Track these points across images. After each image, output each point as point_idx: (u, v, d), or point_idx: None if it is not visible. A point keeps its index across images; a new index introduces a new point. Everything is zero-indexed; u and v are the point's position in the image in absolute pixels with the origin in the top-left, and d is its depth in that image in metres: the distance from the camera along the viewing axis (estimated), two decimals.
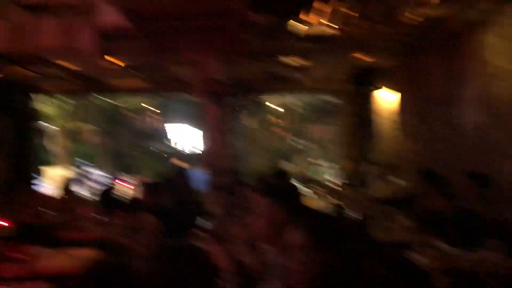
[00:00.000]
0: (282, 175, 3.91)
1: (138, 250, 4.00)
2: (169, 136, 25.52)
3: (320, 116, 24.57)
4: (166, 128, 25.83)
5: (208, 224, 4.29)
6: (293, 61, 6.01)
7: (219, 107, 5.12)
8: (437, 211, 3.92)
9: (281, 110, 21.52)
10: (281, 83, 7.27)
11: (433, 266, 2.99)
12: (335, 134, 23.31)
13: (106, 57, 5.51)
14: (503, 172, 4.11)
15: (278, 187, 2.61)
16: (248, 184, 6.41)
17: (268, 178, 3.89)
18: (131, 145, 23.79)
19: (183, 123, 26.08)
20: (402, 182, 6.61)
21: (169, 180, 5.41)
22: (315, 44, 5.14)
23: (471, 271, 3.01)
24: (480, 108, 4.52)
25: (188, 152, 23.58)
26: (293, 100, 21.81)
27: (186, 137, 25.51)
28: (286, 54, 5.89)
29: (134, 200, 4.31)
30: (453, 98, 5.13)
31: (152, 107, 25.87)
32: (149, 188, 4.64)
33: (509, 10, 3.96)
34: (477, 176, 4.23)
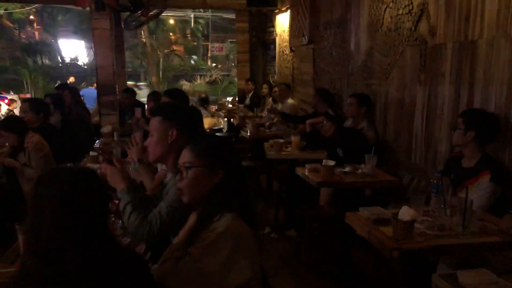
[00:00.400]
0: (178, 94, 3.83)
1: (27, 172, 3.80)
2: (61, 52, 23.55)
3: (219, 33, 24.16)
4: (58, 43, 23.73)
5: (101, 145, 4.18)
6: None
7: (108, 20, 4.78)
8: (327, 131, 4.19)
9: (180, 26, 20.77)
10: None
11: (319, 181, 3.24)
12: (233, 54, 23.30)
13: None
14: (384, 94, 4.45)
15: (171, 105, 2.57)
16: (141, 103, 6.28)
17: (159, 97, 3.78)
18: (14, 60, 21.62)
19: (77, 39, 24.10)
20: (295, 102, 6.92)
21: (55, 96, 5.08)
22: None
23: (353, 185, 3.33)
24: (368, 32, 4.75)
25: (80, 69, 22.09)
26: (193, 17, 21.09)
27: (79, 53, 23.71)
28: None
29: (15, 119, 3.98)
30: (345, 21, 5.31)
31: (38, 19, 23.43)
32: (33, 105, 4.32)
33: None
34: (358, 96, 4.56)
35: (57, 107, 4.86)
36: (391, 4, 4.27)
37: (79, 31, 23.70)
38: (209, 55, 26.51)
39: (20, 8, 17.50)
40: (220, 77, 20.69)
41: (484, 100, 3.09)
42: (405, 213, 2.08)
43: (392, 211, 2.41)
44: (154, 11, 5.32)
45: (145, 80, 18.68)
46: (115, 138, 4.18)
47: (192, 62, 23.33)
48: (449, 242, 2.05)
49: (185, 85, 19.08)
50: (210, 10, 17.85)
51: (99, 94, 4.91)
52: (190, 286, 1.51)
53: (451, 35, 3.43)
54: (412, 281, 2.47)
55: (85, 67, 22.78)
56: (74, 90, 5.70)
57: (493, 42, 3.00)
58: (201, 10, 18.45)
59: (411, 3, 3.93)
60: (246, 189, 1.73)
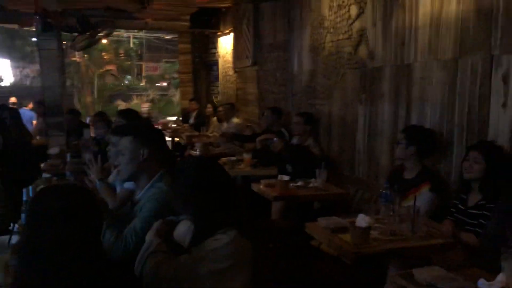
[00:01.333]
0: (132, 114, 3.88)
1: None
2: None
3: (153, 53, 24.02)
4: None
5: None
6: None
7: (55, 41, 4.72)
8: (276, 147, 4.39)
9: (113, 46, 20.43)
10: (121, 19, 6.92)
11: (275, 195, 3.40)
12: (169, 72, 23.20)
13: None
14: (327, 113, 4.75)
15: (140, 125, 2.64)
16: (86, 124, 6.18)
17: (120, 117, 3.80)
18: None
19: (1, 57, 22.89)
20: (240, 121, 7.09)
21: None
22: None
23: (307, 198, 3.53)
24: (311, 55, 5.05)
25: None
26: (128, 36, 20.83)
27: (5, 73, 22.53)
28: None
29: None
30: (288, 44, 5.60)
31: None
32: None
33: None
34: (303, 114, 4.83)
35: None
36: (331, 29, 4.60)
37: (3, 49, 22.63)
38: (143, 75, 26.26)
39: None
40: (157, 97, 20.52)
41: (420, 117, 3.43)
42: (362, 220, 2.28)
43: (347, 220, 2.62)
44: (104, 32, 5.31)
45: (79, 100, 18.12)
46: (67, 159, 4.11)
47: (126, 82, 22.97)
48: (401, 245, 2.28)
49: (121, 105, 18.73)
50: (144, 30, 17.79)
51: (46, 115, 4.81)
52: (177, 283, 1.59)
53: (388, 58, 3.77)
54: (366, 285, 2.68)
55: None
56: (14, 111, 5.51)
57: (426, 65, 3.35)
58: (136, 30, 18.32)
59: (351, 29, 4.26)
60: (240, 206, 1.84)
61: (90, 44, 5.59)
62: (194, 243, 1.69)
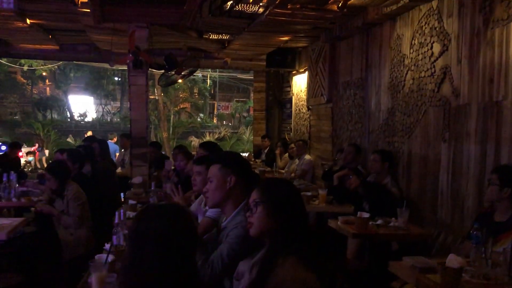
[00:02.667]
0: (213, 146, 4.03)
1: (64, 220, 3.89)
2: (71, 107, 24.17)
3: (225, 92, 24.84)
4: (68, 99, 24.42)
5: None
6: (219, 37, 6.06)
7: (144, 77, 5.07)
8: (352, 184, 4.32)
9: (189, 85, 21.43)
10: (202, 58, 7.29)
11: (354, 232, 3.32)
12: (239, 111, 23.79)
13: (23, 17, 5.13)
14: (406, 151, 4.62)
15: (228, 153, 2.73)
16: (166, 156, 6.45)
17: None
18: (25, 114, 22.15)
19: (87, 94, 24.79)
20: (312, 158, 7.07)
21: (87, 148, 5.26)
22: (240, 20, 5.24)
23: (387, 237, 3.41)
24: (389, 93, 5.00)
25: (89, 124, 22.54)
26: (202, 76, 21.79)
27: (89, 109, 24.33)
28: (211, 30, 5.94)
29: (61, 165, 4.13)
30: (366, 82, 5.59)
31: (49, 75, 24.22)
32: (71, 155, 4.49)
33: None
34: (381, 152, 4.73)
35: (88, 158, 5.03)
36: (412, 67, 4.54)
37: (89, 88, 24.49)
38: (215, 113, 27.18)
39: (43, 65, 18.17)
40: (228, 134, 21.07)
41: (511, 158, 3.25)
42: (453, 260, 2.17)
43: (435, 260, 2.50)
44: (187, 70, 5.63)
45: (155, 136, 19.02)
46: (153, 188, 4.31)
47: (199, 119, 23.88)
48: None
49: (194, 141, 19.41)
50: (217, 70, 18.51)
51: (132, 146, 5.10)
52: None
53: (475, 96, 3.64)
54: None
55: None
56: (103, 143, 5.91)
57: None
58: (210, 70, 19.12)
59: (433, 66, 4.19)
60: (307, 233, 1.84)
61: (174, 82, 5.92)
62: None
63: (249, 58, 7.98)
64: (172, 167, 5.20)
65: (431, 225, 4.16)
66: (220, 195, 2.25)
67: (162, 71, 5.60)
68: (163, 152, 8.19)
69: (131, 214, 3.30)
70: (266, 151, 8.61)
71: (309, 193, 4.50)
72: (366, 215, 3.36)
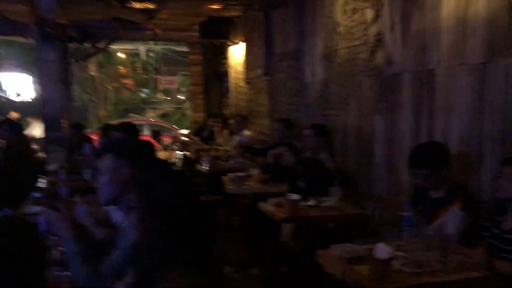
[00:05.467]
0: (129, 128, 3.61)
1: None
2: (1, 85, 22.52)
3: (170, 66, 24.07)
4: None
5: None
6: (143, 6, 5.57)
7: (54, 52, 4.51)
8: (288, 161, 4.08)
9: (130, 59, 20.50)
10: (128, 30, 6.74)
11: (284, 217, 3.09)
12: (185, 85, 23.16)
13: None
14: (342, 124, 4.42)
15: (123, 141, 2.36)
16: (90, 138, 5.97)
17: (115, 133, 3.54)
18: None
19: (22, 72, 23.14)
20: (252, 134, 6.80)
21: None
22: None
23: (319, 219, 3.20)
24: (323, 63, 4.75)
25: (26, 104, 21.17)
26: (143, 49, 20.89)
27: (24, 87, 22.78)
28: None
29: None
30: (300, 53, 5.31)
31: None
32: None
33: None
34: (314, 126, 4.49)
35: None
36: (346, 35, 4.29)
37: (24, 65, 22.84)
38: (159, 88, 26.27)
39: None
40: (172, 110, 20.44)
41: (445, 128, 3.09)
42: (382, 250, 1.95)
43: (365, 247, 2.29)
44: (103, 42, 5.11)
45: (95, 114, 18.13)
46: (62, 176, 3.86)
47: (143, 95, 22.99)
48: (430, 280, 1.93)
49: (135, 118, 18.69)
50: (161, 43, 17.73)
51: (45, 130, 4.59)
52: None
53: (408, 64, 3.44)
54: None
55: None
56: (15, 126, 5.33)
57: (451, 70, 3.01)
58: (152, 43, 18.29)
59: (367, 34, 3.95)
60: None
61: (90, 55, 5.38)
62: None
63: (181, 28, 7.49)
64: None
65: (368, 200, 4.01)
66: (114, 190, 1.90)
67: (75, 44, 5.04)
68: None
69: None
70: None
71: (242, 174, 4.22)
72: (295, 196, 3.11)
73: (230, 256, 4.36)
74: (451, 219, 2.57)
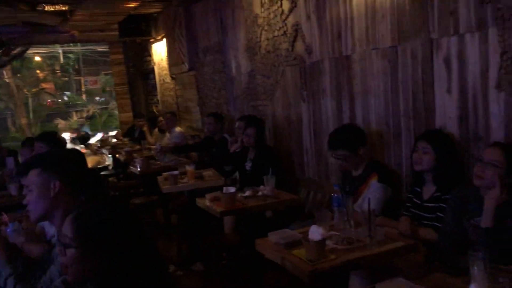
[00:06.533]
0: (52, 138, 3.46)
1: None
2: None
3: (91, 66, 23.10)
4: None
5: None
6: (56, 9, 5.32)
7: None
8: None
9: (48, 62, 19.47)
10: (44, 34, 6.43)
11: (221, 210, 3.13)
12: (109, 86, 22.42)
13: None
14: (271, 114, 4.54)
15: (48, 154, 2.29)
16: (12, 151, 5.65)
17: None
18: None
19: None
20: (183, 130, 6.77)
21: None
22: None
23: (256, 209, 3.28)
24: (247, 55, 4.82)
25: None
26: (62, 52, 19.90)
27: None
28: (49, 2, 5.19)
29: None
30: (224, 46, 5.35)
31: None
32: None
33: None
34: (246, 118, 4.59)
35: None
36: (266, 26, 4.39)
37: None
38: (83, 90, 25.16)
39: None
40: (98, 111, 19.71)
41: (365, 110, 3.28)
42: (315, 232, 2.07)
43: (299, 230, 2.40)
44: (18, 49, 4.84)
45: (14, 123, 17.05)
46: None
47: (66, 98, 21.94)
48: (360, 254, 2.07)
49: (61, 123, 17.85)
50: (79, 44, 16.98)
51: None
52: None
53: (326, 52, 3.59)
54: None
55: None
56: None
57: (365, 55, 3.19)
58: (70, 44, 17.47)
59: (285, 24, 4.07)
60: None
61: (5, 64, 5.08)
62: None
63: (99, 28, 7.23)
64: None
65: (301, 185, 4.16)
66: (43, 206, 1.85)
67: None
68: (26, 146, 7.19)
69: None
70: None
71: (176, 172, 4.21)
72: (232, 189, 3.17)
73: (172, 255, 4.36)
74: (371, 192, 2.77)
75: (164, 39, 7.13)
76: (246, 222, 3.68)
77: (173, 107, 7.37)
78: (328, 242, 2.18)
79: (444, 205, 2.41)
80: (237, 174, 4.42)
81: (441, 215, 2.41)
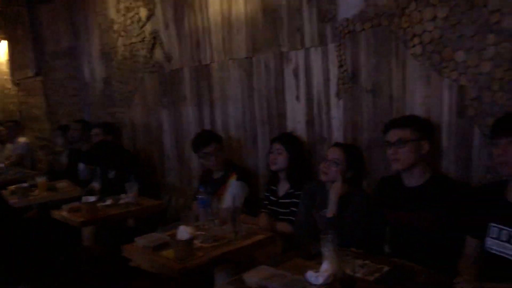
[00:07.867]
0: None
1: None
2: None
3: None
4: None
5: None
6: None
7: None
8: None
9: None
10: None
11: (82, 220, 3.01)
12: None
13: None
14: (129, 120, 4.48)
15: None
16: None
17: None
18: None
19: None
20: (28, 141, 6.25)
21: None
22: None
23: (119, 216, 3.22)
24: (102, 61, 4.70)
25: None
26: None
27: None
28: None
29: None
30: (76, 51, 5.12)
31: None
32: None
33: None
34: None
35: None
36: (122, 33, 4.33)
37: None
38: None
39: None
40: None
41: (224, 116, 3.46)
42: (183, 232, 2.14)
43: (167, 233, 2.45)
44: None
45: None
46: None
47: None
48: (226, 249, 2.21)
49: None
50: None
51: None
52: None
53: (186, 60, 3.70)
54: None
55: None
56: None
57: (223, 65, 3.38)
58: None
59: (143, 31, 4.07)
60: None
61: None
62: None
63: None
64: None
65: (164, 190, 4.19)
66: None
67: None
68: None
69: None
70: None
71: (25, 184, 3.89)
72: (92, 199, 3.07)
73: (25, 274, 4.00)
74: (231, 191, 2.98)
75: (4, 41, 6.49)
76: (107, 232, 3.58)
77: (15, 115, 6.73)
78: (195, 241, 2.27)
79: (297, 200, 2.69)
80: (95, 183, 4.25)
81: (295, 209, 2.69)
